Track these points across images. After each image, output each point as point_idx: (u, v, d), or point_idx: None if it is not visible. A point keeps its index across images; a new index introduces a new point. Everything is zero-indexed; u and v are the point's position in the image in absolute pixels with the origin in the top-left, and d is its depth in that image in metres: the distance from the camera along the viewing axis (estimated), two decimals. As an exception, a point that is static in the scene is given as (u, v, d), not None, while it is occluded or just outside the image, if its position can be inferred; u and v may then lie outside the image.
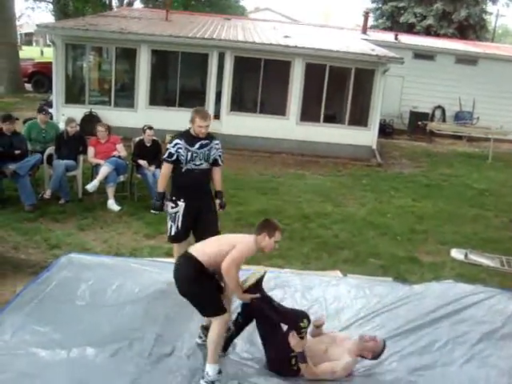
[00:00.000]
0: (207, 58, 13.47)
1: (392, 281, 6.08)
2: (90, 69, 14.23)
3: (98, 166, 8.16)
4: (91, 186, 7.96)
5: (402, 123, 18.74)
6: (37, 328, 4.40)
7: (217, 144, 5.34)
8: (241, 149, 13.03)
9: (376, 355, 4.28)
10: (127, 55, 13.92)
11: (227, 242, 4.07)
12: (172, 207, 5.25)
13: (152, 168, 8.18)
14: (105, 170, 8.00)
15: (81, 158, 8.35)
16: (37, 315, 4.61)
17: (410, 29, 28.74)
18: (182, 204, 5.21)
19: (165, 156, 5.23)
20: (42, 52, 39.94)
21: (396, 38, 19.39)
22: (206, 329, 4.27)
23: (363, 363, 4.30)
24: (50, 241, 6.50)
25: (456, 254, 7.19)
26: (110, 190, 8.04)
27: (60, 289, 5.12)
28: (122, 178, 8.44)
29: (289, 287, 5.56)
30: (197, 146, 5.16)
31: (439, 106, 19.11)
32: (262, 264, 6.24)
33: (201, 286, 4.00)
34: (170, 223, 5.36)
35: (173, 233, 5.35)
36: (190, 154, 5.13)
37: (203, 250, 4.08)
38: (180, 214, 5.23)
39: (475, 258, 7.05)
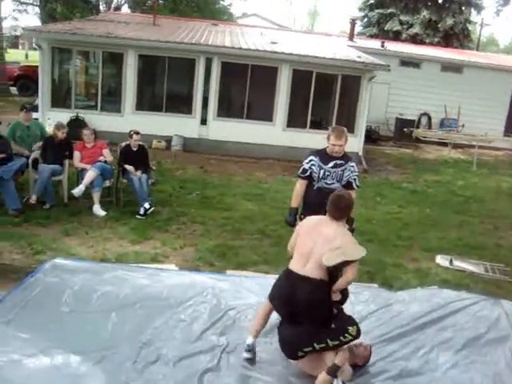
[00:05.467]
0: (194, 63, 13.47)
1: (377, 287, 6.10)
2: (77, 73, 14.11)
3: (83, 170, 8.12)
4: (78, 191, 7.91)
5: (388, 130, 18.88)
6: (20, 335, 4.34)
7: (352, 166, 5.26)
8: (227, 154, 13.06)
9: (367, 361, 4.31)
10: (114, 60, 13.87)
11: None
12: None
13: (138, 173, 8.16)
14: (91, 174, 7.96)
15: (66, 162, 8.29)
16: (20, 321, 4.55)
17: (396, 36, 28.98)
18: None
19: (299, 172, 5.26)
20: (26, 55, 39.67)
21: (382, 46, 19.53)
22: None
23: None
24: (34, 246, 6.43)
25: (441, 260, 7.24)
26: (96, 195, 7.99)
27: (44, 295, 5.05)
28: (107, 183, 8.39)
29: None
30: (330, 164, 5.13)
31: (425, 113, 19.29)
32: (248, 269, 6.25)
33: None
34: None
35: None
36: (322, 171, 5.11)
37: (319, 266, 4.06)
38: None
39: (460, 264, 7.11)
